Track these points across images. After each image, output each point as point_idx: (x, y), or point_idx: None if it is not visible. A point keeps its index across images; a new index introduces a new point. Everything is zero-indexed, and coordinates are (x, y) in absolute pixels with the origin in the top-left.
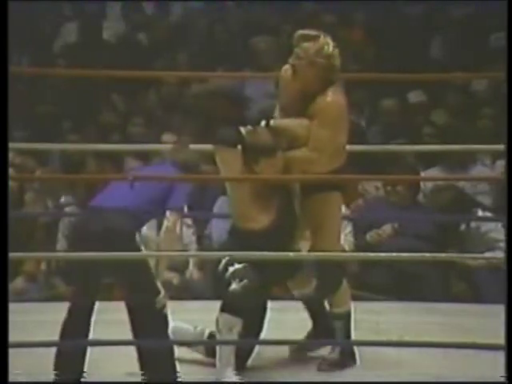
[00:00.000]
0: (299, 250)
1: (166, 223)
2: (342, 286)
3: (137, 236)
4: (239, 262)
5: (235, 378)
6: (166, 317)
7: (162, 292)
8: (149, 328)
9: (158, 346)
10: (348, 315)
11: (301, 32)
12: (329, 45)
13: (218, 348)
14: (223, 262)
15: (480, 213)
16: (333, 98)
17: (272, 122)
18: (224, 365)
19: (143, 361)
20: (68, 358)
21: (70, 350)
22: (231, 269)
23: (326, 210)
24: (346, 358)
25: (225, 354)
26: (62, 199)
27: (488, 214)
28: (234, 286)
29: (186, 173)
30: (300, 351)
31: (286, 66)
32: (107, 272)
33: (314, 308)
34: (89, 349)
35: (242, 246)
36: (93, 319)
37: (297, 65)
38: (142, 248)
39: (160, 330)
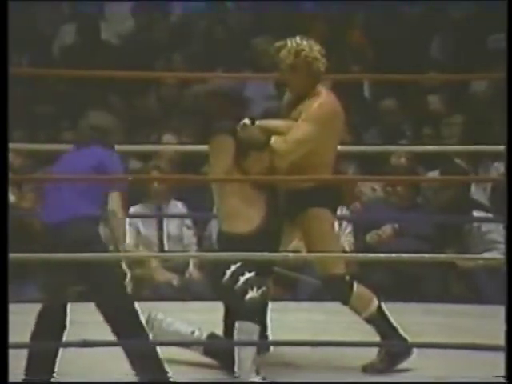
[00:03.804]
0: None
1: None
2: (354, 292)
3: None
4: (249, 271)
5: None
6: (136, 309)
7: (128, 275)
8: (126, 326)
9: (148, 346)
10: (376, 314)
11: (274, 45)
12: (304, 47)
13: (237, 356)
14: (231, 270)
15: (477, 213)
16: (320, 99)
17: (258, 121)
18: (247, 372)
19: (131, 360)
20: (40, 361)
21: (43, 352)
22: (243, 278)
23: (319, 227)
24: (400, 354)
25: (247, 362)
26: None
27: (489, 215)
28: (251, 294)
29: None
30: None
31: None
32: (77, 279)
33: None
34: (89, 349)
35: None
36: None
37: (283, 72)
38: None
39: (137, 326)
